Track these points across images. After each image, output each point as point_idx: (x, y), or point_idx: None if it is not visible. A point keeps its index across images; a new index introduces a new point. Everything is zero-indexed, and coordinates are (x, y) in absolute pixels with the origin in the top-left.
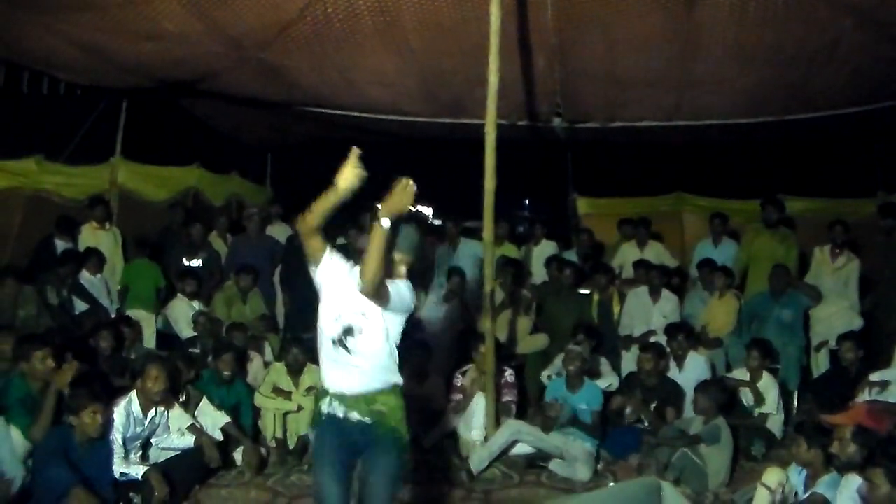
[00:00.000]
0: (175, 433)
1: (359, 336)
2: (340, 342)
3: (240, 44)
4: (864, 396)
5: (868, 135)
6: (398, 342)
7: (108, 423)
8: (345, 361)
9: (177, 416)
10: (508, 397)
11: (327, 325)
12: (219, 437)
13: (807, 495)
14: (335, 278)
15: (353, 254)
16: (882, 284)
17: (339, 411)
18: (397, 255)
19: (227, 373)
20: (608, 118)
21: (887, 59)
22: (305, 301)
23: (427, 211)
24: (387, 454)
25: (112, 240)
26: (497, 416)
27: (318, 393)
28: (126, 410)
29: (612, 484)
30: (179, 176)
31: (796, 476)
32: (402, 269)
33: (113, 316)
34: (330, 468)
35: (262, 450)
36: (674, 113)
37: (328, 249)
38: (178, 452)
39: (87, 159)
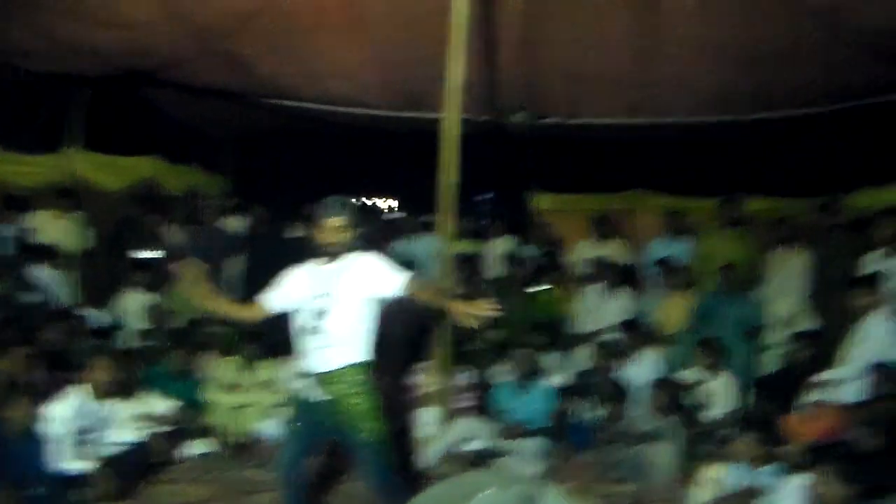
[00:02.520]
0: (124, 426)
1: (326, 317)
2: (311, 325)
3: (203, 33)
4: (812, 396)
5: (825, 135)
6: (370, 323)
7: (43, 417)
8: (315, 342)
9: (127, 408)
10: (465, 402)
11: (300, 315)
12: (168, 429)
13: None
14: (297, 289)
15: (309, 245)
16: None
17: (307, 391)
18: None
19: (180, 367)
20: (570, 114)
21: (845, 62)
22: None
23: (390, 204)
24: (365, 453)
25: (77, 228)
26: (452, 416)
27: (294, 377)
28: (74, 403)
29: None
30: (137, 166)
31: (736, 471)
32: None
33: (65, 307)
34: (293, 442)
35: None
36: (634, 110)
37: (273, 297)
38: (125, 447)
39: (44, 148)
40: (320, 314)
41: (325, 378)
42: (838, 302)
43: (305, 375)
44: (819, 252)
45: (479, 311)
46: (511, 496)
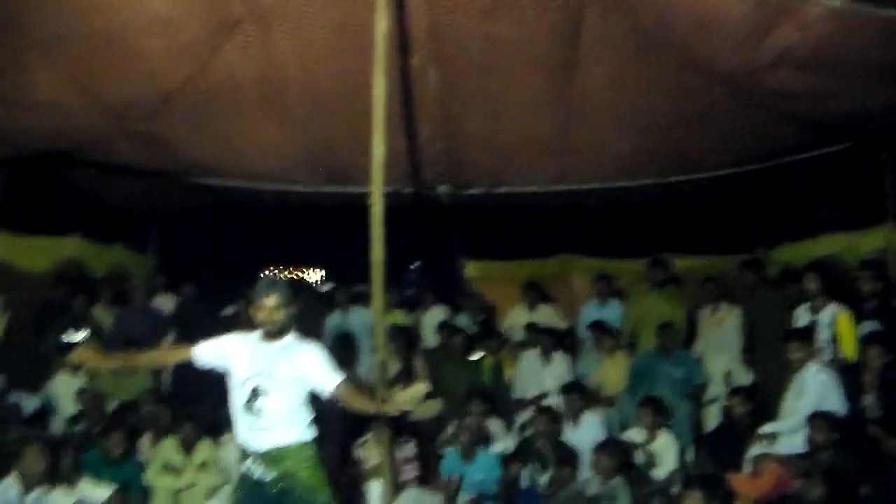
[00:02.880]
0: None
1: (264, 397)
2: (249, 404)
3: (120, 114)
4: (756, 450)
5: (746, 194)
6: (308, 400)
7: None
8: (255, 422)
9: (58, 498)
10: (409, 474)
11: (236, 392)
12: None
13: None
14: (233, 355)
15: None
16: (758, 338)
17: (254, 470)
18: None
19: (117, 451)
20: (493, 184)
21: (758, 125)
22: (194, 373)
23: (317, 276)
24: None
25: None
26: (397, 488)
27: (239, 455)
28: (3, 495)
29: None
30: (58, 246)
31: None
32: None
33: None
34: None
35: None
36: (558, 178)
37: (203, 350)
38: None
39: None
40: (257, 393)
41: (269, 456)
42: (772, 356)
43: (248, 454)
44: (749, 307)
45: (413, 395)
46: None
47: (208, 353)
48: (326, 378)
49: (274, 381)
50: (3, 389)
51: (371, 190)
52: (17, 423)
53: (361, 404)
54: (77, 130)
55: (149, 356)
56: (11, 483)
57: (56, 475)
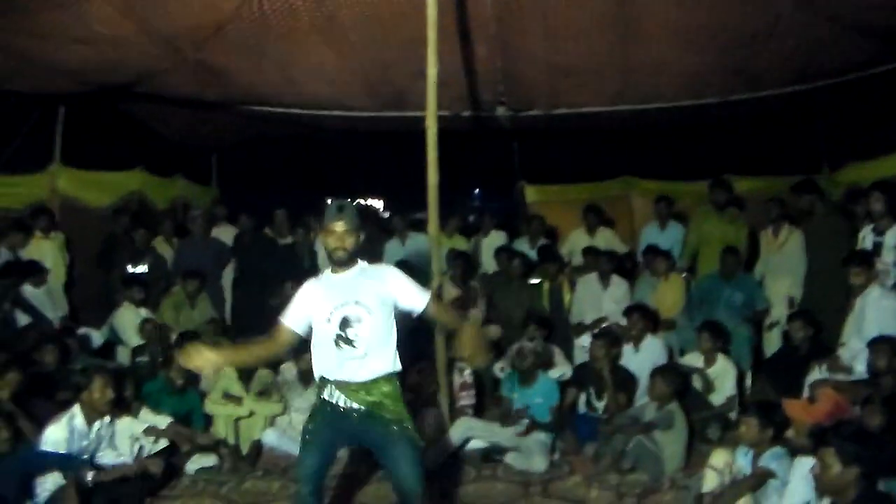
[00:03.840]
0: (123, 444)
1: (357, 324)
2: (341, 336)
3: (175, 45)
4: (815, 375)
5: (812, 112)
6: (399, 330)
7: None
8: (348, 353)
9: (124, 427)
10: (465, 401)
11: (323, 329)
12: (163, 443)
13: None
14: (311, 302)
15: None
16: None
17: (339, 399)
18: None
19: (179, 381)
20: (551, 105)
21: (826, 38)
22: (255, 302)
23: (377, 204)
24: (399, 447)
25: (56, 248)
26: (453, 416)
27: (317, 382)
28: (69, 426)
29: None
30: (121, 180)
31: (743, 457)
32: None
33: (57, 327)
34: (316, 445)
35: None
36: (617, 98)
37: (292, 320)
38: (125, 466)
39: (25, 167)
40: (347, 322)
41: (360, 386)
42: (835, 279)
43: (331, 384)
44: (809, 230)
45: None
46: None
47: (296, 321)
48: (415, 296)
49: (362, 306)
50: (72, 323)
51: (427, 113)
52: (88, 356)
53: (451, 320)
54: (133, 63)
55: (248, 354)
56: (77, 412)
57: (122, 406)
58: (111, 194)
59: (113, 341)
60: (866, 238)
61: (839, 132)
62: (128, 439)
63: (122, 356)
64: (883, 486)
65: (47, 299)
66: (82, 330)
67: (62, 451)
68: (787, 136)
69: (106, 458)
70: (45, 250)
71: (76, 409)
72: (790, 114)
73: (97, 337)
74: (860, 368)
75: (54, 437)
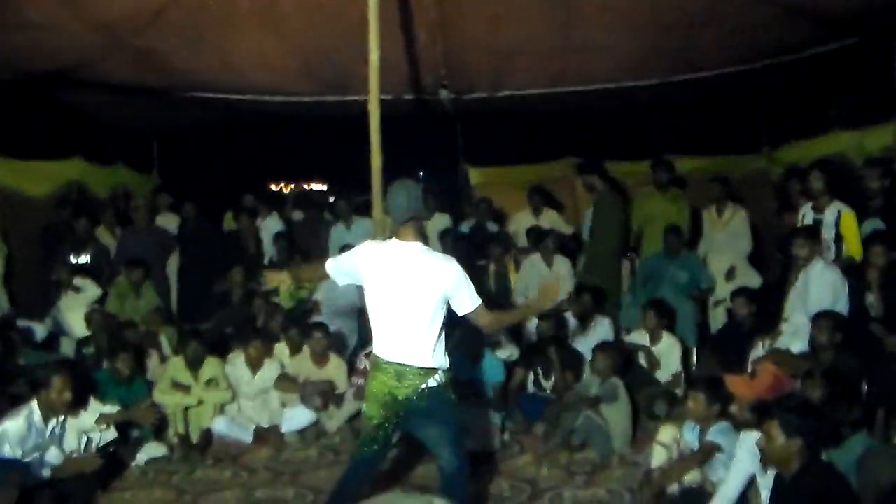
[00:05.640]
0: (70, 441)
1: (406, 311)
2: (389, 316)
3: (112, 30)
4: (758, 351)
5: (752, 93)
6: (446, 323)
7: None
8: (393, 335)
9: (78, 422)
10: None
11: (375, 303)
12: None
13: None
14: (365, 267)
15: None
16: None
17: (389, 385)
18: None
19: (126, 371)
20: (494, 88)
21: (765, 20)
22: (200, 291)
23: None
24: (440, 412)
25: None
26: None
27: (373, 365)
28: (27, 421)
29: None
30: (60, 169)
31: (690, 432)
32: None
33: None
34: (376, 438)
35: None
36: (559, 79)
37: (338, 267)
38: (75, 460)
39: None
40: (396, 306)
41: (408, 371)
42: (775, 255)
43: (385, 367)
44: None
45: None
46: None
47: (340, 273)
48: (466, 300)
49: (414, 295)
50: (12, 316)
51: (369, 97)
52: (31, 349)
53: (490, 323)
54: (69, 49)
55: (304, 271)
56: (35, 409)
57: (78, 400)
58: (50, 184)
59: (56, 333)
60: (806, 215)
61: (779, 112)
62: (75, 434)
63: (67, 348)
64: (825, 455)
65: None
66: (24, 323)
67: (17, 447)
68: (728, 116)
69: (53, 457)
70: None
71: (34, 405)
72: (731, 94)
73: (40, 330)
74: (802, 343)
75: (13, 430)
